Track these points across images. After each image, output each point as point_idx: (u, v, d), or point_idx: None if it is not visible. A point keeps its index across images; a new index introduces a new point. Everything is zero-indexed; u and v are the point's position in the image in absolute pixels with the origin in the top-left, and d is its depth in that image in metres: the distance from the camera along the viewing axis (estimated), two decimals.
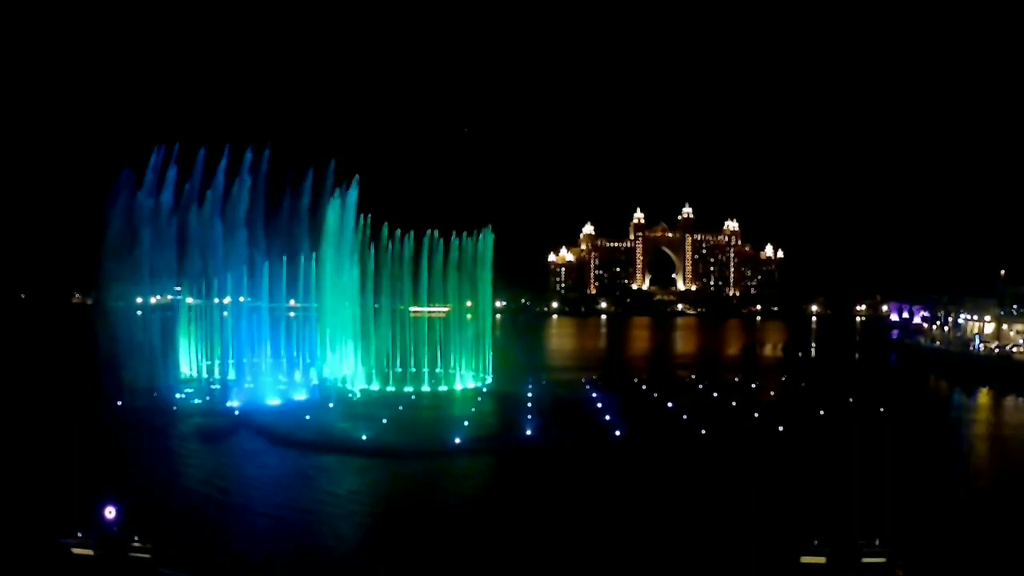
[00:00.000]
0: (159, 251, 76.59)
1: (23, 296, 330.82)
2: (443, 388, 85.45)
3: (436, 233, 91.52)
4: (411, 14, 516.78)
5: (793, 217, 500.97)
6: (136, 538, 29.10)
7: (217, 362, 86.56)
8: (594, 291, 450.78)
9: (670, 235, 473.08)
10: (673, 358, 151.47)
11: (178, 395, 74.52)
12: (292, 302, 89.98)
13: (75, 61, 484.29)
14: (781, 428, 63.36)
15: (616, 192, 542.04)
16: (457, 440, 56.55)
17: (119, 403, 68.63)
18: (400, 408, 71.44)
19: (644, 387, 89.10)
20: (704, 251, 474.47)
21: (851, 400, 79.01)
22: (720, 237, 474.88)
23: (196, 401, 73.77)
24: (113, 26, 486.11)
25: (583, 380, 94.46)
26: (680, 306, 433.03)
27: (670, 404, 74.87)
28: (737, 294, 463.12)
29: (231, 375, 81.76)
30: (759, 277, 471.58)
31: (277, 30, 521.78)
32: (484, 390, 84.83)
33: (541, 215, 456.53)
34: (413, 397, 79.35)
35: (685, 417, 67.39)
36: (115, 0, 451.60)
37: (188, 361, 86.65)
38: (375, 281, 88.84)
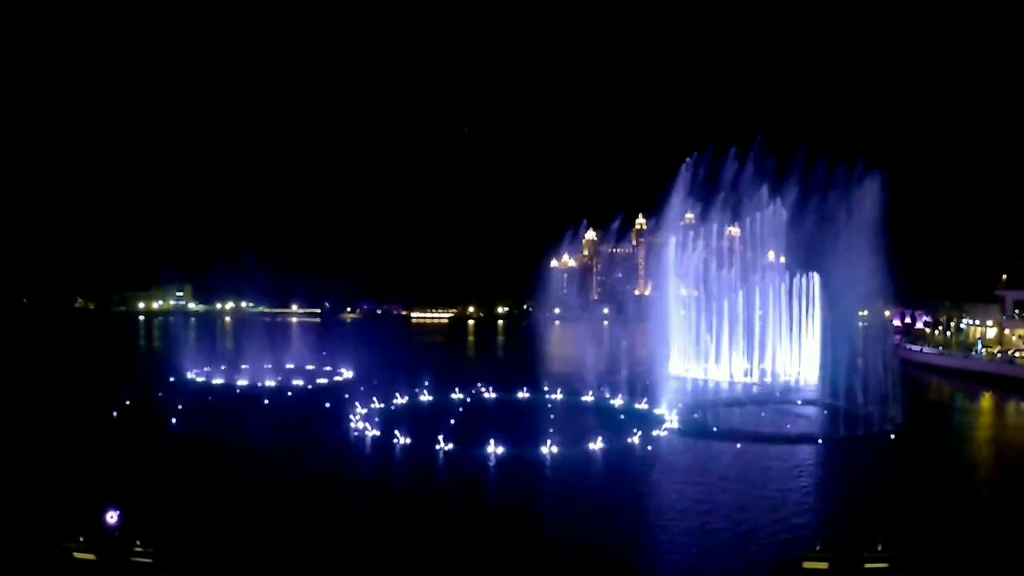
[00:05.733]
0: None
1: (25, 300, 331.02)
2: None
3: None
4: (416, 15, 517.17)
5: (793, 220, 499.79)
6: (138, 542, 29.01)
7: None
8: (596, 297, 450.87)
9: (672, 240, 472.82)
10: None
11: None
12: None
13: (76, 63, 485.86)
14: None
15: (619, 197, 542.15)
16: None
17: None
18: None
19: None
20: (706, 256, 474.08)
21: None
22: (722, 243, 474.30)
23: None
24: (112, 29, 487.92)
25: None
26: (682, 312, 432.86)
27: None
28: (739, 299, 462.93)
29: None
30: (760, 281, 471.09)
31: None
32: None
33: (544, 221, 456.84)
34: None
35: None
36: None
37: None
38: None
